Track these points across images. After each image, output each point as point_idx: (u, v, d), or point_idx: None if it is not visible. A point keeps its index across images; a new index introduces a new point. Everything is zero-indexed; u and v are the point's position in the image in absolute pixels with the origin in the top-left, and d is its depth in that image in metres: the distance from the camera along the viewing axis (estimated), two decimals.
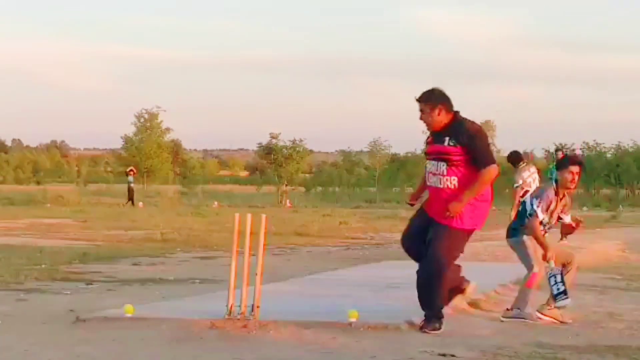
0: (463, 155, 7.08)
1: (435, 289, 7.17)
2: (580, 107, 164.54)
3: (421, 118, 7.23)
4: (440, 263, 7.12)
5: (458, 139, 7.08)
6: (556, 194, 8.00)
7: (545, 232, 8.00)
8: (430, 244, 7.14)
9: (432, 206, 7.22)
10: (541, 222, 7.90)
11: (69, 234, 20.34)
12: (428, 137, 7.37)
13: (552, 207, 7.97)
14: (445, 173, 7.12)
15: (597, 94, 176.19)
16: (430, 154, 7.25)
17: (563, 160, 8.54)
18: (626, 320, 8.18)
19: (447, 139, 7.12)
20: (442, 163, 7.12)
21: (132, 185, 42.05)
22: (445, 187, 7.12)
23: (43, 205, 38.91)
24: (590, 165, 59.42)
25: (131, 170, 44.49)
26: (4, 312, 8.16)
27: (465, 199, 7.05)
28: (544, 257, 7.91)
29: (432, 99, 7.18)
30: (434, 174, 7.18)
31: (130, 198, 41.10)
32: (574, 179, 7.96)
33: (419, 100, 7.23)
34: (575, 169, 7.99)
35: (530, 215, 7.91)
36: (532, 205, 7.93)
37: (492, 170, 7.10)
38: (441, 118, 7.16)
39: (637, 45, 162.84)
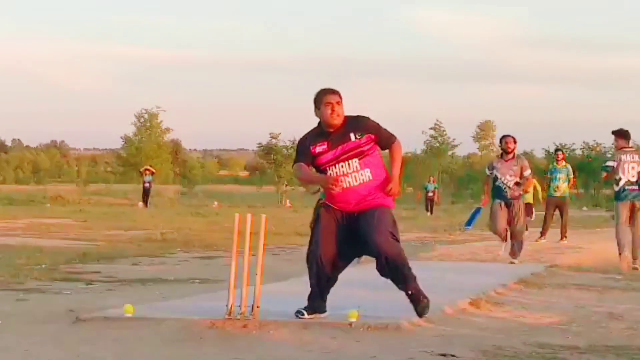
0: (371, 143, 7.20)
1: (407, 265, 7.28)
2: (580, 107, 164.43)
3: (337, 110, 7.12)
4: (399, 242, 7.24)
5: (366, 129, 7.19)
6: None
7: None
8: (375, 231, 7.08)
9: (351, 202, 7.15)
10: None
11: (69, 234, 20.35)
12: (313, 147, 7.18)
13: None
14: (359, 168, 7.15)
15: (597, 94, 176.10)
16: (333, 160, 7.14)
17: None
18: (626, 320, 8.18)
19: (351, 134, 7.14)
20: (354, 160, 7.14)
21: (147, 185, 41.23)
22: (361, 182, 7.15)
23: (43, 205, 38.91)
24: (590, 165, 59.50)
25: (146, 169, 43.21)
26: (4, 312, 8.16)
27: (397, 175, 7.29)
28: None
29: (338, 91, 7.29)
30: (347, 174, 7.13)
31: (145, 198, 40.47)
32: None
33: (335, 92, 7.22)
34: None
35: None
36: None
37: (399, 142, 7.39)
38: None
39: (637, 45, 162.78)
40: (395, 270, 7.18)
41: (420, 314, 7.26)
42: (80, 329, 7.14)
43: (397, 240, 7.21)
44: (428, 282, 10.26)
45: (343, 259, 7.38)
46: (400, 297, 8.78)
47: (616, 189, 12.96)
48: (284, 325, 7.01)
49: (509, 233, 13.56)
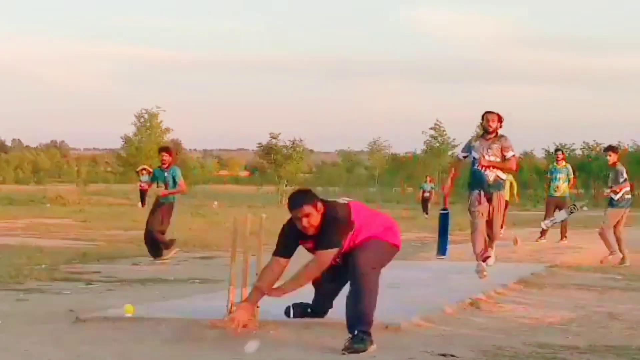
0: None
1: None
2: (580, 107, 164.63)
3: (306, 224, 6.64)
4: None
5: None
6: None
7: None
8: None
9: None
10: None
11: (69, 234, 20.35)
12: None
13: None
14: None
15: (597, 94, 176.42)
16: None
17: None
18: (626, 320, 8.19)
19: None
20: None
21: (143, 185, 40.89)
22: None
23: (43, 205, 38.90)
24: (590, 165, 59.54)
25: (143, 169, 42.76)
26: (4, 312, 8.16)
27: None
28: None
29: (308, 200, 6.65)
30: None
31: (143, 198, 40.20)
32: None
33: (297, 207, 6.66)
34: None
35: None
36: None
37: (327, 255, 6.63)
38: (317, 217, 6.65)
39: (637, 45, 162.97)
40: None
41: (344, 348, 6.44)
42: (80, 329, 7.15)
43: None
44: (428, 282, 10.30)
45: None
46: (400, 298, 8.79)
47: (616, 197, 14.44)
48: (284, 325, 7.01)
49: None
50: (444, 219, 11.12)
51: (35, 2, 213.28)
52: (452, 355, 6.29)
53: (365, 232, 6.77)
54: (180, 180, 14.46)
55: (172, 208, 14.48)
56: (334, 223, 6.64)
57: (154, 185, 14.71)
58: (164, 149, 15.00)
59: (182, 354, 6.32)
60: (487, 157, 10.62)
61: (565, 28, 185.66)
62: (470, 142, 10.92)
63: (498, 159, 10.66)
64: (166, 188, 14.39)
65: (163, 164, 14.47)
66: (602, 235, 14.53)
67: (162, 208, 14.44)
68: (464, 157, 10.92)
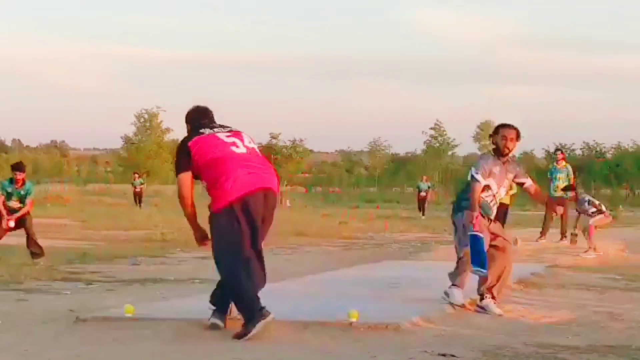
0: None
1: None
2: (580, 107, 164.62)
3: None
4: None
5: None
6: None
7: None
8: None
9: None
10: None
11: (69, 234, 20.35)
12: None
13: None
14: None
15: (597, 94, 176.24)
16: None
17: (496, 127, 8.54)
18: (626, 320, 8.19)
19: None
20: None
21: (137, 189, 41.30)
22: None
23: (43, 205, 38.90)
24: (590, 165, 59.59)
25: (134, 173, 43.88)
26: (4, 312, 8.17)
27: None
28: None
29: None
30: None
31: (137, 201, 40.46)
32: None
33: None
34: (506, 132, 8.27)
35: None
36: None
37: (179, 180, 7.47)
38: None
39: (637, 45, 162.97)
40: None
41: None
42: (80, 329, 7.14)
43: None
44: (428, 282, 10.30)
45: None
46: (400, 298, 8.79)
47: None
48: (284, 325, 7.01)
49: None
50: (477, 242, 8.42)
51: (35, 2, 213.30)
52: (452, 355, 6.29)
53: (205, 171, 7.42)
54: (30, 198, 14.17)
55: (31, 223, 14.21)
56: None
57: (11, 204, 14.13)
58: (17, 168, 14.31)
59: (182, 354, 6.31)
60: (502, 191, 8.51)
61: (565, 28, 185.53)
62: (489, 165, 8.34)
63: (506, 192, 8.83)
64: (21, 204, 14.11)
65: (17, 183, 14.10)
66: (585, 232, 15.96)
67: (25, 226, 14.16)
68: (484, 183, 8.36)
